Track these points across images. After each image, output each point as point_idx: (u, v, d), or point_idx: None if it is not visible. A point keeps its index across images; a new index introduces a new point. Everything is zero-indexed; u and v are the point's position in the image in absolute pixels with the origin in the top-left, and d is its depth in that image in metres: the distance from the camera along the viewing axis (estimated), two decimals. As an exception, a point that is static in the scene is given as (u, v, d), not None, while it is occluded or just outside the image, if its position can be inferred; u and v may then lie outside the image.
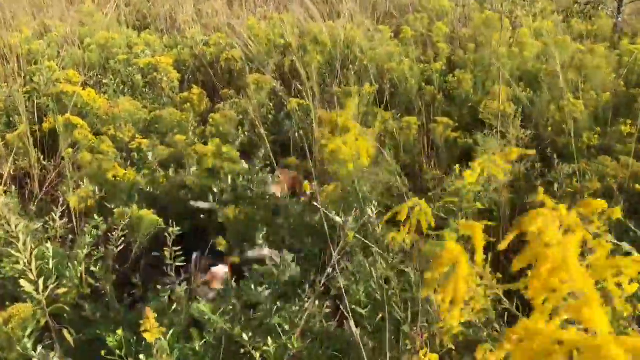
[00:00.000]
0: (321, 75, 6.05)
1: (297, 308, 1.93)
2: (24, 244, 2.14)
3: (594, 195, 3.00)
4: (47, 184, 3.66)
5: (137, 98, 5.53)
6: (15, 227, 2.18)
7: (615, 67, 4.89)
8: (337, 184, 2.95)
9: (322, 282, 2.00)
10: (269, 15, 8.18)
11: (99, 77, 5.97)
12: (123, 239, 2.88)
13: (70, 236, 3.23)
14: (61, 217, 3.19)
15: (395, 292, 1.82)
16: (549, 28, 6.94)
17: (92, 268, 2.34)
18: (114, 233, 2.93)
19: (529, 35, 6.29)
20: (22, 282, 2.06)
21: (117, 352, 1.97)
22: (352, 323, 1.83)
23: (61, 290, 2.14)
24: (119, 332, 2.04)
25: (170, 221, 2.69)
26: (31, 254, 2.13)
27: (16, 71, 5.03)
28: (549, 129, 4.09)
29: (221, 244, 3.04)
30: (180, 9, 9.05)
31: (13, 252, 2.11)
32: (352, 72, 5.85)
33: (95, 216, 3.05)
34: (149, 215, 3.11)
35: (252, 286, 2.07)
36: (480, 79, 4.82)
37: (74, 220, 3.29)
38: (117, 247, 2.95)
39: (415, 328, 1.68)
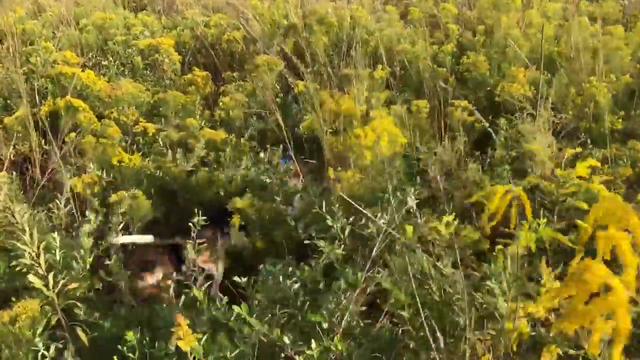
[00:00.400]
0: (328, 57, 5.87)
1: (333, 305, 1.79)
2: (31, 235, 1.98)
3: (627, 181, 2.87)
4: (49, 170, 3.49)
5: (137, 80, 5.33)
6: (21, 217, 2.02)
7: (634, 49, 4.74)
8: (356, 170, 2.80)
9: (363, 277, 1.86)
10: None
11: (98, 58, 5.76)
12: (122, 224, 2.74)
13: (75, 224, 3.08)
14: (65, 205, 3.03)
15: (460, 295, 1.67)
16: (557, 10, 6.79)
17: (107, 261, 2.18)
18: (113, 219, 2.78)
19: (538, 17, 6.15)
20: (31, 277, 1.91)
21: (131, 355, 1.82)
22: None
23: (72, 286, 1.99)
24: (130, 334, 1.88)
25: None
26: (39, 247, 1.97)
27: (12, 51, 4.81)
28: (570, 112, 3.94)
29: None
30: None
31: (19, 245, 1.95)
32: (360, 54, 5.67)
33: (95, 201, 2.90)
34: (143, 200, 2.96)
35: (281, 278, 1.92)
36: (496, 61, 4.65)
37: (77, 208, 3.12)
38: (117, 233, 2.80)
39: (476, 332, 1.55)
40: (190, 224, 2.46)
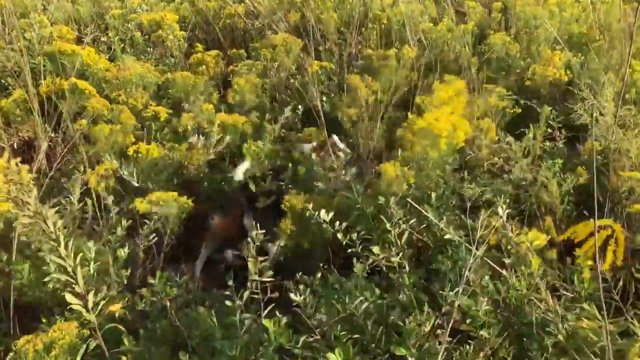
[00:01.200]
0: (340, 34, 5.58)
1: (417, 336, 1.58)
2: (66, 247, 1.73)
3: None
4: (57, 160, 3.20)
5: (140, 58, 5.01)
6: (54, 225, 1.77)
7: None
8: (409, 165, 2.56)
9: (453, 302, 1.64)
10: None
11: (95, 34, 5.40)
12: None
13: (87, 220, 2.80)
14: (79, 200, 2.76)
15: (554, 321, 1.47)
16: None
17: (150, 280, 1.93)
18: (144, 227, 2.53)
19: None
20: (69, 297, 1.66)
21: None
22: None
23: (114, 307, 1.75)
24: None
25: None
26: (75, 259, 1.72)
27: (8, 27, 4.45)
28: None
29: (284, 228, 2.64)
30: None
31: (54, 258, 1.70)
32: (374, 32, 5.40)
33: (110, 201, 2.63)
34: (178, 198, 2.70)
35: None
36: (525, 42, 4.41)
37: (96, 206, 2.85)
38: (149, 240, 2.56)
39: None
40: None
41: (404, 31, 5.46)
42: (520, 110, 3.83)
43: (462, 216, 2.44)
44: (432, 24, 4.86)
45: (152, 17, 5.13)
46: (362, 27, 5.64)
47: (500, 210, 1.79)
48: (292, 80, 4.51)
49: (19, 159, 1.91)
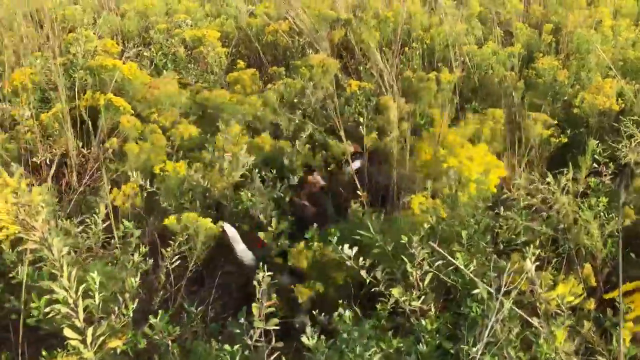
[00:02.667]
0: (381, 54, 5.47)
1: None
2: (69, 277, 1.68)
3: None
4: (87, 175, 3.21)
5: (180, 73, 5.04)
6: (59, 253, 1.72)
7: None
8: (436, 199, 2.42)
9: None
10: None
11: (139, 48, 5.47)
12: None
13: (113, 241, 2.78)
14: (104, 220, 2.73)
15: None
16: (631, 7, 6.25)
17: (152, 319, 1.85)
18: (168, 249, 2.48)
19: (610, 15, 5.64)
20: (67, 331, 1.61)
21: None
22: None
23: (113, 344, 1.69)
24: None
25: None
26: (77, 290, 1.67)
27: (52, 39, 4.55)
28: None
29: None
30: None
31: (56, 288, 1.66)
32: (417, 53, 5.27)
33: (127, 223, 2.57)
34: (207, 223, 2.64)
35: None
36: (574, 67, 4.20)
37: (114, 222, 2.83)
38: (171, 263, 2.51)
39: None
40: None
41: (448, 52, 5.32)
42: (565, 140, 3.64)
43: (495, 257, 2.29)
44: (476, 46, 4.69)
45: (194, 34, 5.16)
46: (405, 47, 5.53)
47: (529, 263, 1.64)
48: (328, 100, 4.42)
49: (29, 180, 1.88)
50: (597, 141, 3.13)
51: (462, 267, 2.03)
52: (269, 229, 2.66)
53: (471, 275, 1.97)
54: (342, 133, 3.11)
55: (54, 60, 3.99)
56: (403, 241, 2.09)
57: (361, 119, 4.18)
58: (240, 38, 6.12)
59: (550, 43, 5.25)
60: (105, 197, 2.75)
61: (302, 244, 2.50)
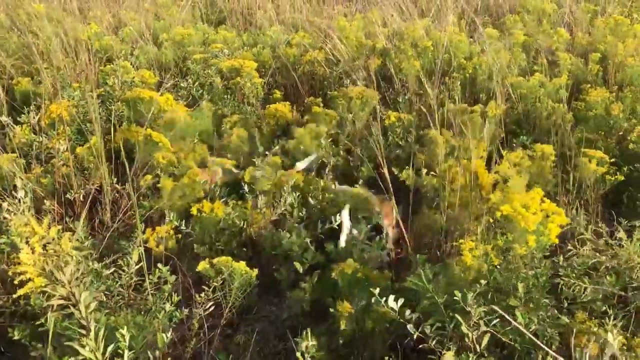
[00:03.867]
0: (420, 84, 5.33)
1: None
2: (96, 337, 1.56)
3: None
4: (120, 213, 3.12)
5: (217, 104, 4.99)
6: (86, 309, 1.61)
7: None
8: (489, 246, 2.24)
9: None
10: (355, 15, 7.51)
11: (176, 79, 5.45)
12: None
13: (145, 284, 2.66)
14: (137, 262, 2.62)
15: None
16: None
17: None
18: (201, 294, 2.35)
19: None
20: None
21: None
22: None
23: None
24: None
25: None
26: (104, 354, 1.55)
27: (88, 69, 4.54)
28: None
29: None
30: (258, 3, 8.50)
31: (82, 351, 1.54)
32: (458, 83, 5.11)
33: (162, 267, 2.46)
34: (242, 267, 2.51)
35: None
36: (629, 99, 3.97)
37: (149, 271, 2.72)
38: (204, 310, 2.38)
39: None
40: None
41: (490, 82, 5.14)
42: (622, 178, 3.41)
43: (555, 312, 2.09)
44: (521, 77, 4.50)
45: (231, 64, 5.11)
46: (445, 77, 5.38)
47: (610, 338, 1.44)
48: (366, 132, 4.28)
49: (61, 227, 1.78)
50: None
51: (522, 328, 1.84)
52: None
53: (532, 337, 1.78)
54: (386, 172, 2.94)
55: (91, 93, 3.96)
56: (456, 297, 1.91)
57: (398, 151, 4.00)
58: (277, 68, 6.06)
59: (597, 73, 5.03)
60: (138, 240, 2.65)
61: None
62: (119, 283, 2.57)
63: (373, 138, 3.42)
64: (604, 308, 1.94)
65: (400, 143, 4.41)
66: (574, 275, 2.26)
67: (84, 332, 1.57)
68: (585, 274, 2.30)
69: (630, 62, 4.40)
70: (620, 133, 3.74)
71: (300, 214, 3.11)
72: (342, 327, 2.28)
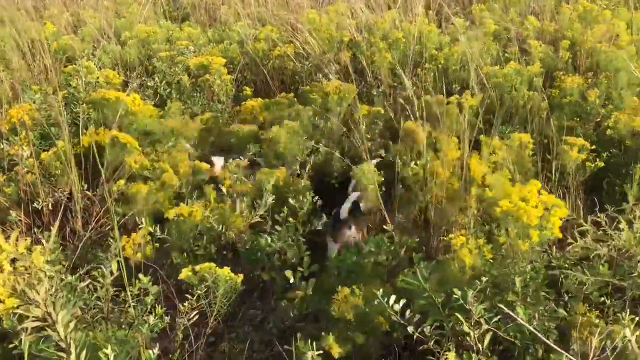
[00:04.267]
0: (393, 76, 5.27)
1: None
2: (77, 358, 1.44)
3: None
4: (93, 221, 2.97)
5: (186, 103, 4.83)
6: (65, 329, 1.48)
7: None
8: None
9: None
10: (322, 7, 7.41)
11: (142, 78, 5.26)
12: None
13: (123, 295, 2.52)
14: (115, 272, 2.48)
15: None
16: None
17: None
18: (185, 303, 2.24)
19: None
20: None
21: None
22: None
23: None
24: None
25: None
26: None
27: (48, 71, 4.33)
28: None
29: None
30: (222, -2, 8.30)
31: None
32: (431, 74, 5.07)
33: (142, 277, 2.33)
34: (226, 273, 2.40)
35: None
36: (603, 86, 3.97)
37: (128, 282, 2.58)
38: (188, 320, 2.26)
39: None
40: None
41: (463, 72, 5.11)
42: (602, 165, 3.41)
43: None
44: (496, 66, 4.48)
45: (199, 61, 4.96)
46: (417, 68, 5.33)
47: (628, 333, 1.39)
48: (344, 129, 4.19)
49: (30, 239, 1.65)
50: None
51: (525, 323, 1.78)
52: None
53: (537, 333, 1.73)
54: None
55: (54, 95, 3.76)
56: (456, 295, 1.85)
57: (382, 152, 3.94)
58: (246, 63, 5.92)
59: (567, 60, 5.06)
60: (114, 249, 2.51)
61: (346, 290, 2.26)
62: (95, 295, 2.43)
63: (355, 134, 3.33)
64: (601, 299, 1.90)
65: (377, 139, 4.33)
66: (566, 266, 2.23)
67: (63, 355, 1.45)
68: (577, 264, 2.26)
69: (602, 47, 4.41)
70: (598, 119, 3.74)
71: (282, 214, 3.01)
72: (349, 317, 2.17)
